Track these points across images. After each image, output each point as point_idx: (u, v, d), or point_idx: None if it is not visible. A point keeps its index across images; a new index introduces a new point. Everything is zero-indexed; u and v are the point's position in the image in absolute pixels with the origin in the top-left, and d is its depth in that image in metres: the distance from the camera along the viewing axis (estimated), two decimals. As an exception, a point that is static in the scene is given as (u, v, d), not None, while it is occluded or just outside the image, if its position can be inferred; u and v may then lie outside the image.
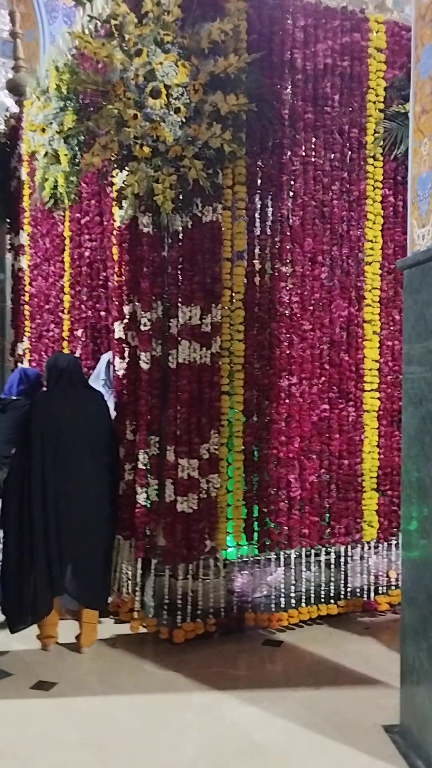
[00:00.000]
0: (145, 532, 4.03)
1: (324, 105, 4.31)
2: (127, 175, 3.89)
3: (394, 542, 4.53)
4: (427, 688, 2.81)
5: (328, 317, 4.37)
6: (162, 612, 4.04)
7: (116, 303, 4.17)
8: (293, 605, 4.28)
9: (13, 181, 6.04)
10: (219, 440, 4.09)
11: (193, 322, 4.00)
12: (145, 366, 4.00)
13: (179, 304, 3.98)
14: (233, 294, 4.16)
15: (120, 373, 4.15)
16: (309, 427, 4.30)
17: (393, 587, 4.51)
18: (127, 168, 3.88)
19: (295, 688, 3.52)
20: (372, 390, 4.49)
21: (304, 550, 4.32)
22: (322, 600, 4.37)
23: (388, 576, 4.55)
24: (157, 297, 4.02)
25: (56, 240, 5.30)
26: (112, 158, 3.96)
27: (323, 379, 4.36)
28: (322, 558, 4.39)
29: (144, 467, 4.00)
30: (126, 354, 4.10)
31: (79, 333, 4.99)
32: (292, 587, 4.28)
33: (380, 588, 4.53)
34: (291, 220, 4.27)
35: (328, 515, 4.39)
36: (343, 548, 4.44)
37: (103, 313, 4.78)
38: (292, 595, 4.28)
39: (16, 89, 6.04)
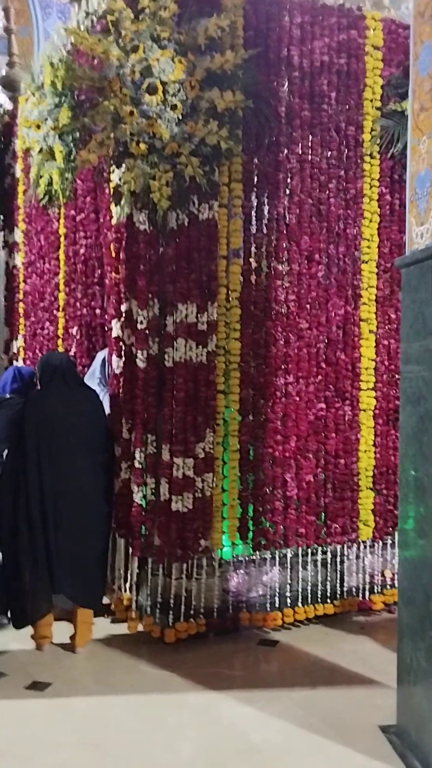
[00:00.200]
0: (141, 531, 4.01)
1: (321, 102, 4.29)
2: (123, 173, 3.87)
3: (389, 541, 4.52)
4: (425, 688, 2.81)
5: (324, 316, 4.36)
6: (157, 611, 4.02)
7: (113, 301, 4.15)
8: (289, 605, 4.27)
9: (8, 177, 6.01)
10: (214, 439, 4.07)
11: (189, 320, 3.98)
12: (141, 364, 3.98)
13: (175, 302, 3.96)
14: (229, 292, 4.13)
15: (116, 371, 4.13)
16: (305, 426, 4.29)
17: (388, 586, 4.51)
18: (123, 165, 3.86)
19: (291, 688, 3.51)
20: (368, 389, 4.48)
21: (300, 549, 4.31)
22: (318, 599, 4.36)
23: (383, 575, 4.54)
24: (154, 295, 4.00)
25: (51, 237, 5.26)
26: (109, 155, 3.93)
27: (320, 377, 4.34)
28: (318, 557, 4.38)
29: (140, 466, 3.98)
30: (122, 352, 4.08)
31: (74, 331, 4.96)
32: (288, 587, 4.27)
33: (376, 587, 4.52)
34: (287, 218, 4.25)
35: (324, 514, 4.38)
36: (338, 548, 4.43)
37: (98, 311, 4.76)
38: (288, 594, 4.27)
39: (10, 85, 6.00)
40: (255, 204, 4.20)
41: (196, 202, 3.97)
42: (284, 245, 4.24)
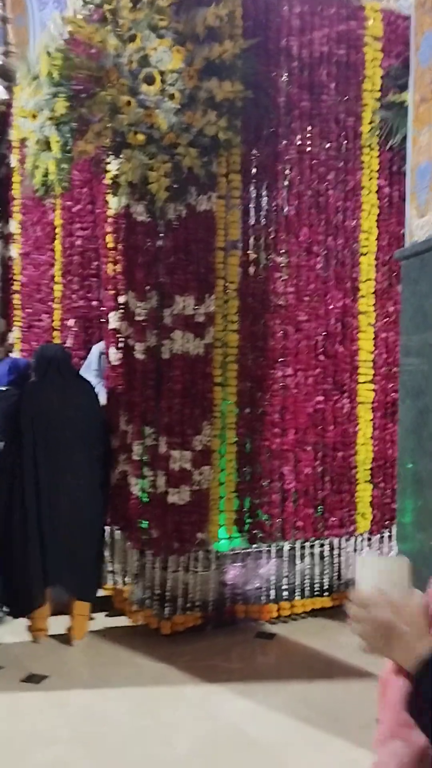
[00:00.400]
0: (139, 524, 4.00)
1: (320, 93, 4.26)
2: (121, 163, 3.84)
3: (386, 534, 4.52)
4: (423, 682, 2.80)
5: (323, 308, 4.34)
6: (154, 604, 4.01)
7: (111, 293, 4.12)
8: (286, 597, 4.27)
9: (3, 168, 5.96)
10: (212, 432, 4.05)
11: (186, 312, 3.96)
12: (139, 356, 3.96)
13: (173, 294, 3.94)
14: (227, 284, 4.11)
15: (114, 363, 4.10)
16: (304, 418, 4.28)
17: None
18: (121, 155, 3.83)
19: (288, 681, 3.51)
20: (366, 382, 4.46)
21: (298, 542, 4.30)
22: (316, 592, 4.35)
23: (380, 568, 4.53)
24: (152, 287, 3.97)
25: (47, 228, 5.23)
26: (106, 146, 3.90)
27: (318, 370, 4.33)
28: (316, 550, 4.37)
29: (138, 458, 3.97)
30: (120, 344, 4.05)
31: (70, 323, 4.93)
32: (285, 579, 4.27)
33: (373, 580, 4.51)
34: (286, 210, 4.23)
35: (321, 507, 4.37)
36: (336, 540, 4.43)
37: (94, 303, 4.73)
38: (285, 587, 4.26)
39: (6, 75, 5.96)
40: (253, 195, 4.17)
41: (194, 193, 3.94)
42: (283, 237, 4.22)
